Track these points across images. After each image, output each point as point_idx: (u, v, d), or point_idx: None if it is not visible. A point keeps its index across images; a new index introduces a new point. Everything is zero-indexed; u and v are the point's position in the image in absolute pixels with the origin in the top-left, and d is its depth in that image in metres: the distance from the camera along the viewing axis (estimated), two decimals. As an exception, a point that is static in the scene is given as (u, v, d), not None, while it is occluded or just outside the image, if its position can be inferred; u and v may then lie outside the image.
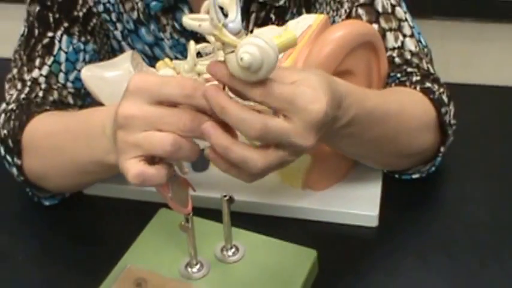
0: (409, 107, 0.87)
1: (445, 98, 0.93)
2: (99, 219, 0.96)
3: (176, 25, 1.02)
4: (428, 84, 0.93)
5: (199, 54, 0.80)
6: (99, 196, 0.99)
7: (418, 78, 0.94)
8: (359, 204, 0.94)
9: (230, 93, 0.64)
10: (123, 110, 0.66)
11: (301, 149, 0.64)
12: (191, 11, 0.99)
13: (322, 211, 0.93)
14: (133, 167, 0.66)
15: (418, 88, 0.92)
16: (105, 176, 0.85)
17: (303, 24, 0.88)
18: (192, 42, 0.81)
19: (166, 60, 0.84)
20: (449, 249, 0.90)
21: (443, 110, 0.91)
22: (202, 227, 0.84)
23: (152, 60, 1.03)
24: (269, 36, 0.59)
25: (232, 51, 0.60)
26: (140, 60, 0.92)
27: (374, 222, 0.94)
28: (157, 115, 0.65)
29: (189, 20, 0.63)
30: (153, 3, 0.99)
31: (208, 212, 0.85)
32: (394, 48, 0.97)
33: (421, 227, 0.94)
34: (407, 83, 0.93)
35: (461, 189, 1.00)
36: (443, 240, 0.91)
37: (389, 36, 0.97)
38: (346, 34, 0.85)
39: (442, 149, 0.95)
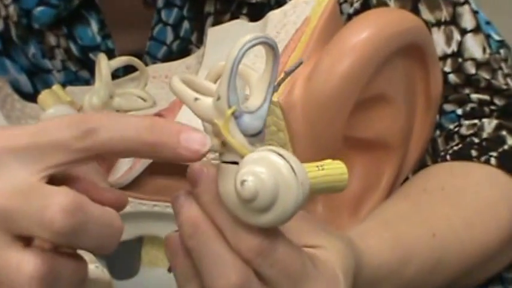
0: (481, 221, 0.78)
1: None
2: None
3: (74, 48, 0.86)
4: (510, 142, 0.83)
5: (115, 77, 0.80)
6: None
7: (493, 126, 0.83)
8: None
9: None
10: None
11: None
12: (102, 23, 0.85)
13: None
14: None
15: (492, 161, 0.80)
16: None
17: (295, 17, 0.76)
18: (102, 56, 0.76)
19: (56, 88, 0.78)
20: None
21: None
22: None
23: (33, 97, 0.83)
24: (300, 163, 0.53)
25: (235, 163, 0.54)
26: (9, 91, 0.84)
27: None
28: None
29: (178, 84, 0.56)
30: (39, 9, 0.83)
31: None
32: (446, 57, 0.84)
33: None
34: (474, 152, 0.81)
35: None
36: None
37: (437, 35, 0.84)
38: (375, 36, 0.72)
39: None
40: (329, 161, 0.56)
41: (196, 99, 0.54)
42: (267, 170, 0.52)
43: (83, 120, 0.51)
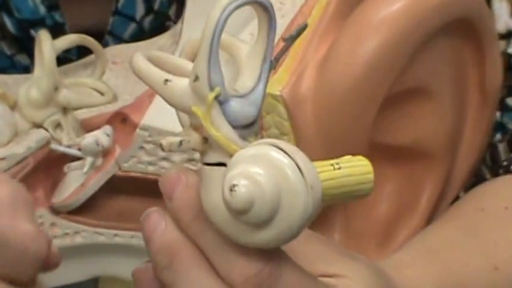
0: None
1: None
2: None
3: (9, 24, 0.79)
4: None
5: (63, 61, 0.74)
6: None
7: None
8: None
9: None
10: None
11: None
12: None
13: None
14: None
15: None
16: None
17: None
18: (44, 34, 0.68)
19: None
20: None
21: None
22: None
23: None
24: (309, 161, 0.45)
25: (221, 164, 0.47)
26: None
27: None
28: None
29: (142, 63, 0.48)
30: None
31: None
32: (509, 35, 0.78)
33: None
34: None
35: None
36: None
37: (499, 5, 0.78)
38: (411, 7, 0.66)
39: None
40: (348, 157, 0.49)
41: (166, 81, 0.48)
42: (265, 171, 0.45)
43: None
